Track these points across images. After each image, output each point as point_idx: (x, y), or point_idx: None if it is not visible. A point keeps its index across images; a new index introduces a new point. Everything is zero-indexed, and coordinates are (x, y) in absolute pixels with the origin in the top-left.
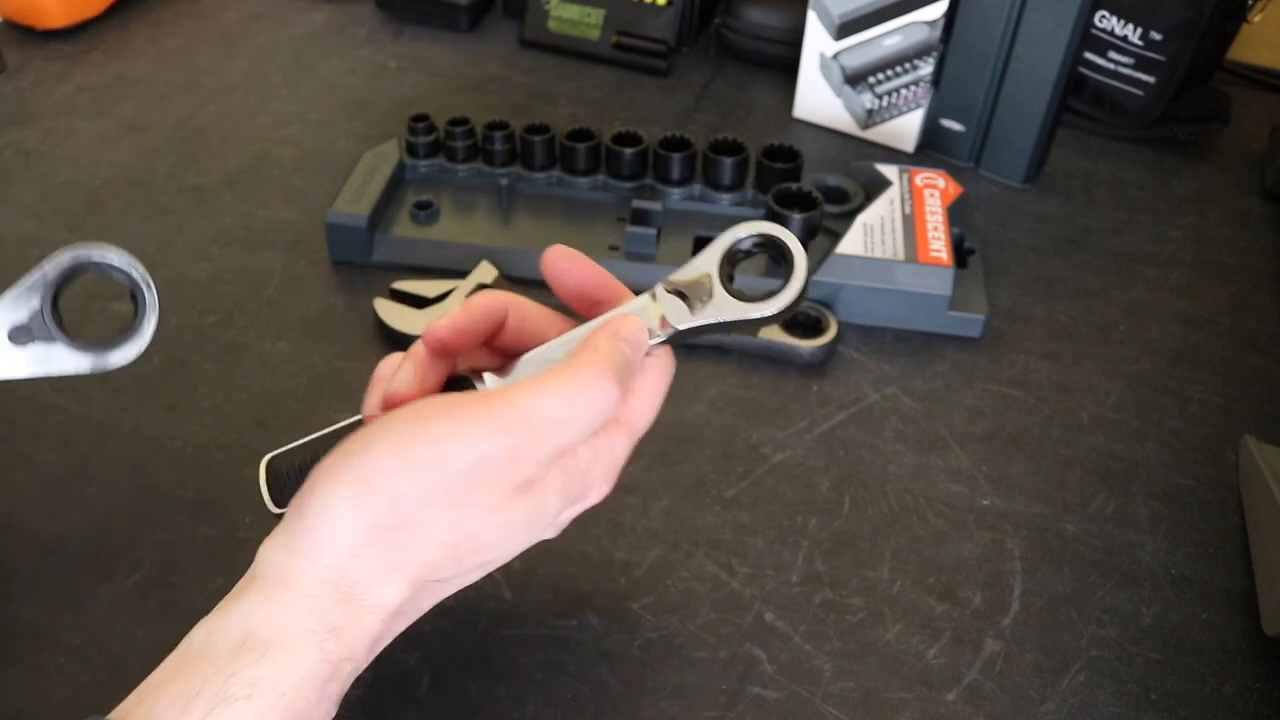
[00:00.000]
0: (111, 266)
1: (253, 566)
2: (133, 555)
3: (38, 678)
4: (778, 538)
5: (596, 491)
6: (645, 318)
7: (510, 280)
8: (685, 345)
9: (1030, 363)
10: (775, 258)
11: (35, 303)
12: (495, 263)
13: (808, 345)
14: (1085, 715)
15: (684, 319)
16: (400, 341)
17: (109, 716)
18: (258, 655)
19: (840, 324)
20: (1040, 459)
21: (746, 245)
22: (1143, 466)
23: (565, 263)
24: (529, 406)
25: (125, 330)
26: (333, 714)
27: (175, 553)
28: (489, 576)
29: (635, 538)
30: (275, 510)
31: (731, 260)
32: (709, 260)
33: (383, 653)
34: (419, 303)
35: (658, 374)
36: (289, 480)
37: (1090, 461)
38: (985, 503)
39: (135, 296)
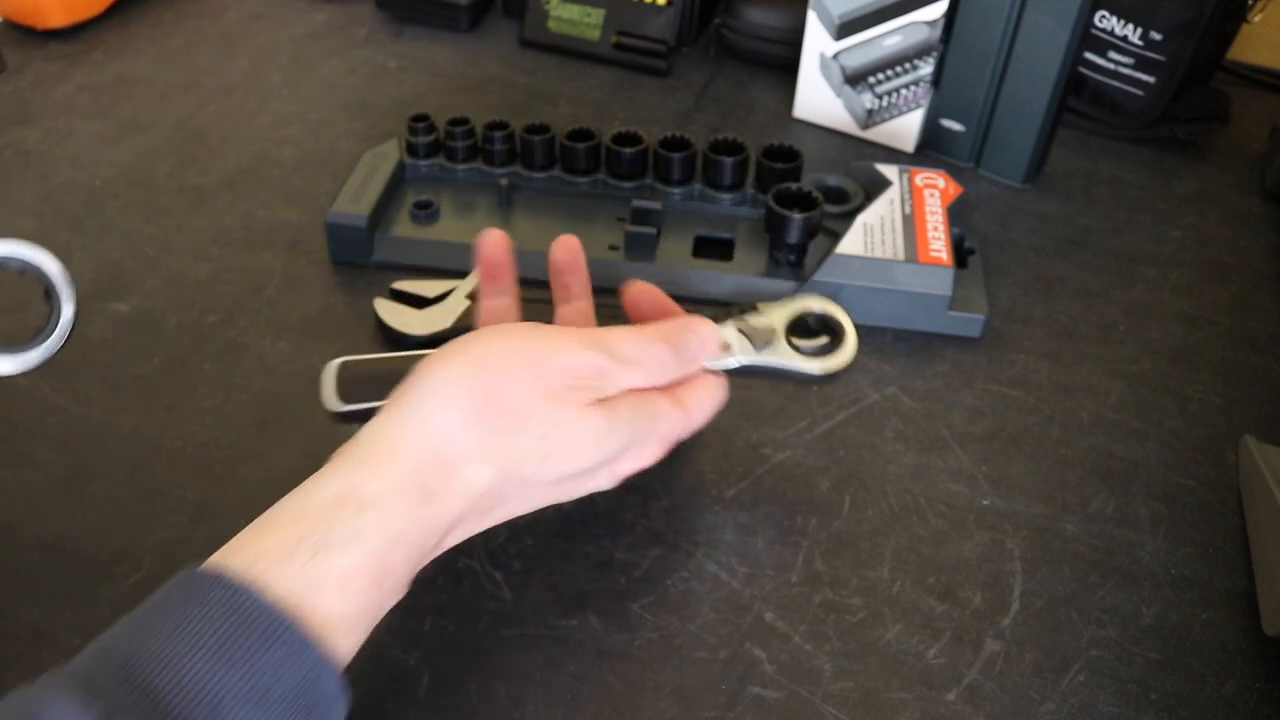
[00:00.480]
0: (23, 261)
1: (347, 443)
2: (133, 555)
3: (37, 678)
4: (778, 538)
5: (650, 450)
6: None
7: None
8: None
9: (1030, 363)
10: (832, 332)
11: None
12: None
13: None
14: (1085, 715)
15: (748, 354)
16: (400, 342)
17: (207, 563)
18: (356, 509)
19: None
20: (1040, 459)
21: (812, 317)
22: (1143, 466)
23: (643, 293)
24: (613, 340)
25: (42, 327)
26: (403, 593)
27: (175, 553)
28: (489, 576)
29: (635, 538)
30: (337, 409)
31: (797, 323)
32: (779, 316)
33: (383, 652)
34: (419, 303)
35: (715, 386)
36: (359, 384)
37: (1090, 461)
38: (985, 503)
39: (49, 291)
